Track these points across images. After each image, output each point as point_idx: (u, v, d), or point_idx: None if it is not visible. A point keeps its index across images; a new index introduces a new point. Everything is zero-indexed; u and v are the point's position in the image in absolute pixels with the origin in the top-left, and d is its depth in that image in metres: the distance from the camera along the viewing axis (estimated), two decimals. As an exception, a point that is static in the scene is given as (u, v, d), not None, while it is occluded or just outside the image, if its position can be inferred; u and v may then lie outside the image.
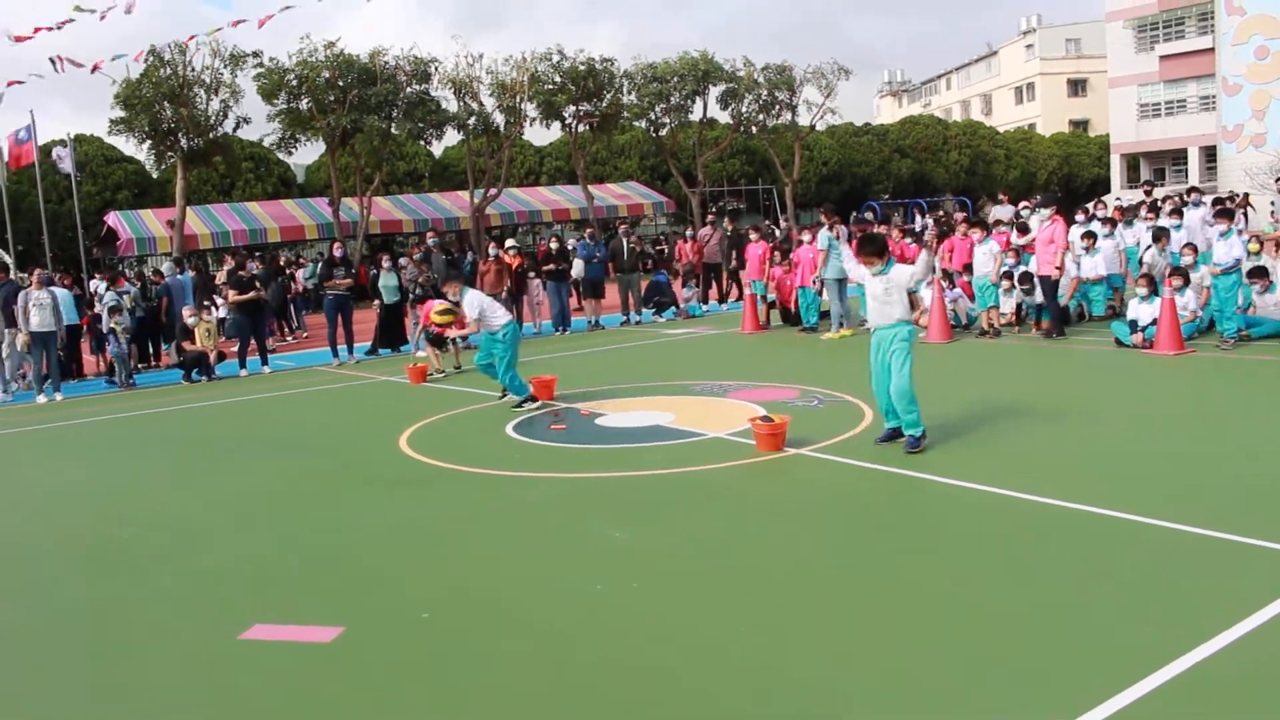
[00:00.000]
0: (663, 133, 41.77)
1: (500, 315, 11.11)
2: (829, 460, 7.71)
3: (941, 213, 36.56)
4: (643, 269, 24.05)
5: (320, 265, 18.20)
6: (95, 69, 24.74)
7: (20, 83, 25.15)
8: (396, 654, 4.67)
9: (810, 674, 4.18)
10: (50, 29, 20.33)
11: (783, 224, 38.05)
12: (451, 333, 12.42)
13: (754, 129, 43.33)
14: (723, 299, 22.89)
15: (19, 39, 20.69)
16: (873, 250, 7.97)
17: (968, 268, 15.75)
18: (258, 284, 16.97)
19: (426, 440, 9.70)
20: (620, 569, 5.62)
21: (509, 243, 19.96)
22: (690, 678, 4.20)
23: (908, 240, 18.06)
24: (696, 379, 12.23)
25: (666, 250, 32.61)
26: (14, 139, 31.70)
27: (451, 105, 36.32)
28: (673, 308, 20.97)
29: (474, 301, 11.09)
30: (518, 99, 36.23)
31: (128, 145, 35.87)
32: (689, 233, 25.37)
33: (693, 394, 11.28)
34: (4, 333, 15.68)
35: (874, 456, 7.69)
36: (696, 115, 41.71)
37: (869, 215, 26.45)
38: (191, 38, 27.49)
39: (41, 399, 15.21)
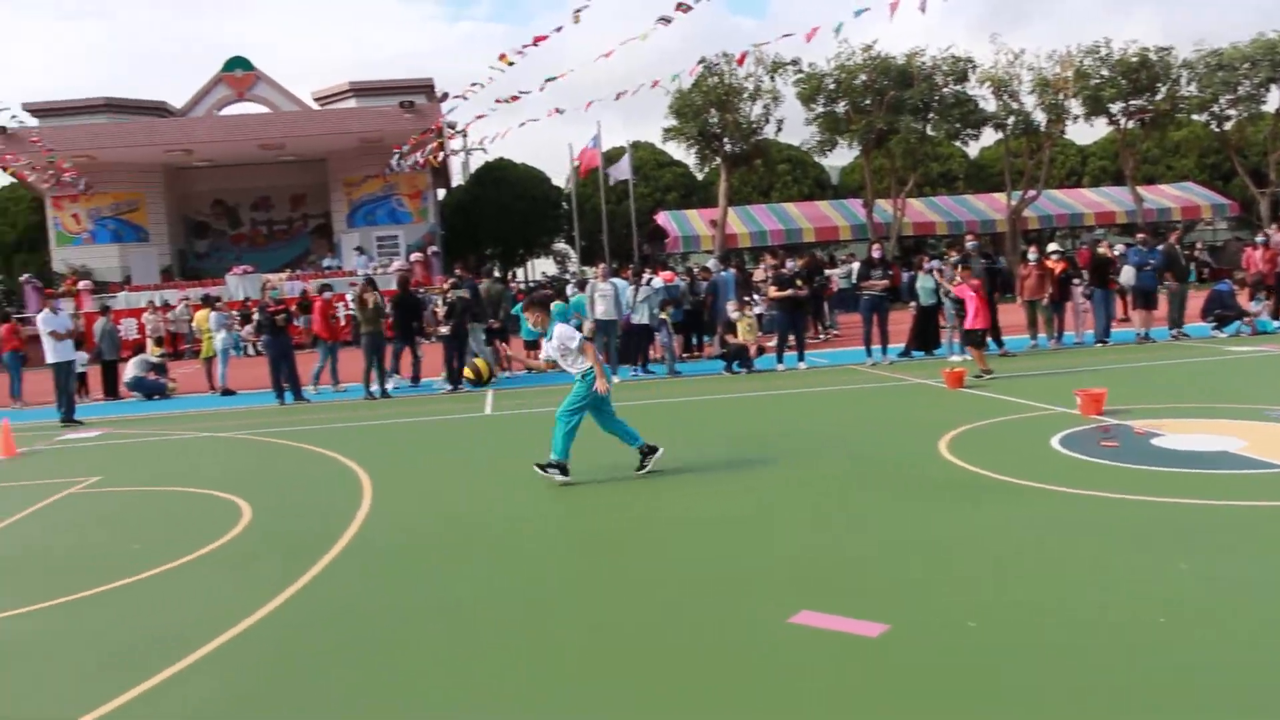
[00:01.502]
0: (1227, 126, 37.81)
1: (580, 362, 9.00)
2: None
3: None
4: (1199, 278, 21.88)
5: (859, 265, 18.49)
6: (654, 85, 27.16)
7: (593, 102, 28.12)
8: (940, 657, 4.62)
9: None
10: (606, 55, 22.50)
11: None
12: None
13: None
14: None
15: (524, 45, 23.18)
16: None
17: None
18: (798, 281, 17.61)
19: (968, 446, 9.51)
20: (1188, 603, 5.15)
21: (1051, 246, 19.09)
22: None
23: None
24: (1272, 404, 10.93)
25: (1227, 258, 29.49)
26: (583, 150, 35.51)
27: (989, 105, 35.42)
28: (1236, 321, 18.93)
29: (561, 337, 9.01)
30: (1061, 95, 34.52)
31: (677, 150, 38.86)
32: (1258, 238, 22.71)
33: (1268, 420, 10.10)
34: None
35: None
36: (1271, 106, 37.29)
37: None
38: (744, 55, 29.10)
39: (616, 379, 16.85)
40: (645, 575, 6.23)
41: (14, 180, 40.48)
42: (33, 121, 36.32)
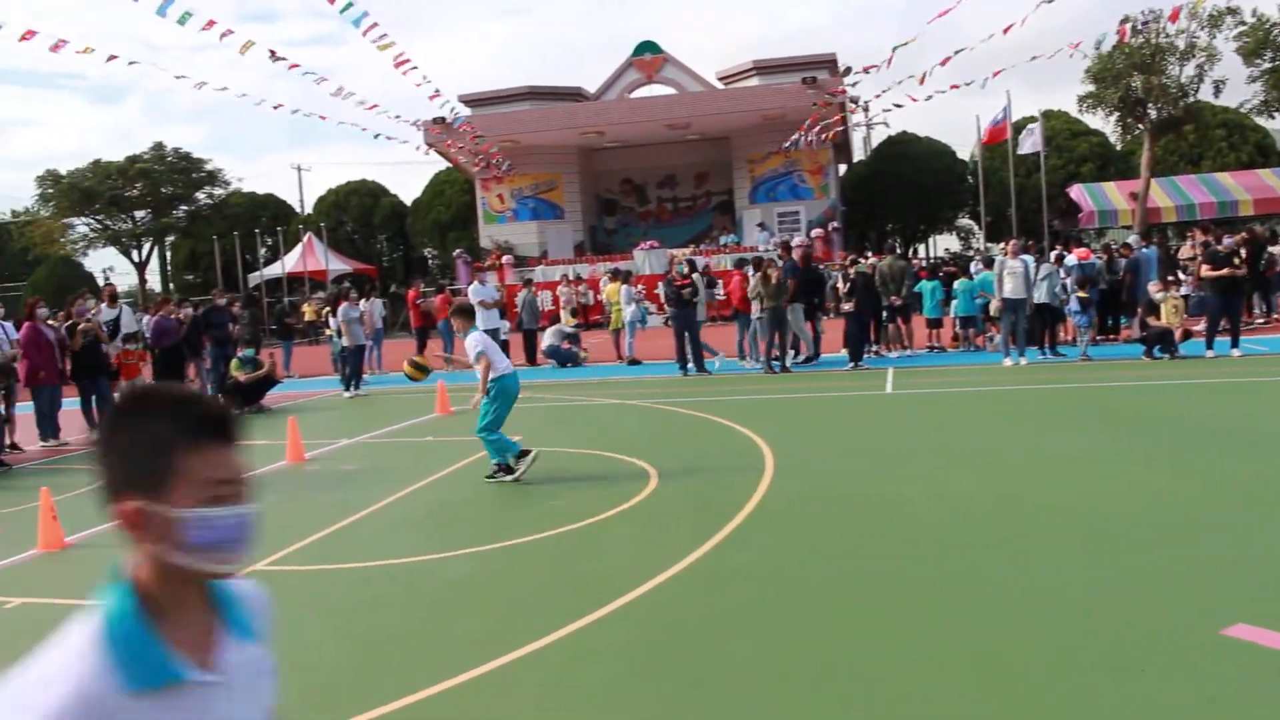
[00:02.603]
0: None
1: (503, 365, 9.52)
2: None
3: None
4: None
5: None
6: (1074, 48, 25.45)
7: (1000, 71, 26.79)
8: None
9: None
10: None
11: None
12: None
13: None
14: None
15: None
16: None
17: None
18: (1236, 259, 15.95)
19: None
20: None
21: None
22: None
23: None
24: None
25: None
26: (991, 121, 34.01)
27: None
28: None
29: (476, 342, 9.44)
30: None
31: (1094, 119, 36.29)
32: None
33: None
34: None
35: None
36: None
37: None
38: (1176, 10, 26.62)
39: (1008, 362, 16.12)
40: (1055, 569, 5.89)
41: (449, 165, 44.65)
42: (466, 111, 39.87)
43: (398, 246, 52.32)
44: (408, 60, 22.31)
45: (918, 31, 20.65)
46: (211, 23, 18.49)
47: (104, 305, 16.85)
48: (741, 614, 5.47)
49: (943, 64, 22.50)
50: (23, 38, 16.89)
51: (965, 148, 46.94)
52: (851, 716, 4.23)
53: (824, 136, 33.63)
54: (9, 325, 14.34)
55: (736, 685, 4.57)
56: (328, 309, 23.43)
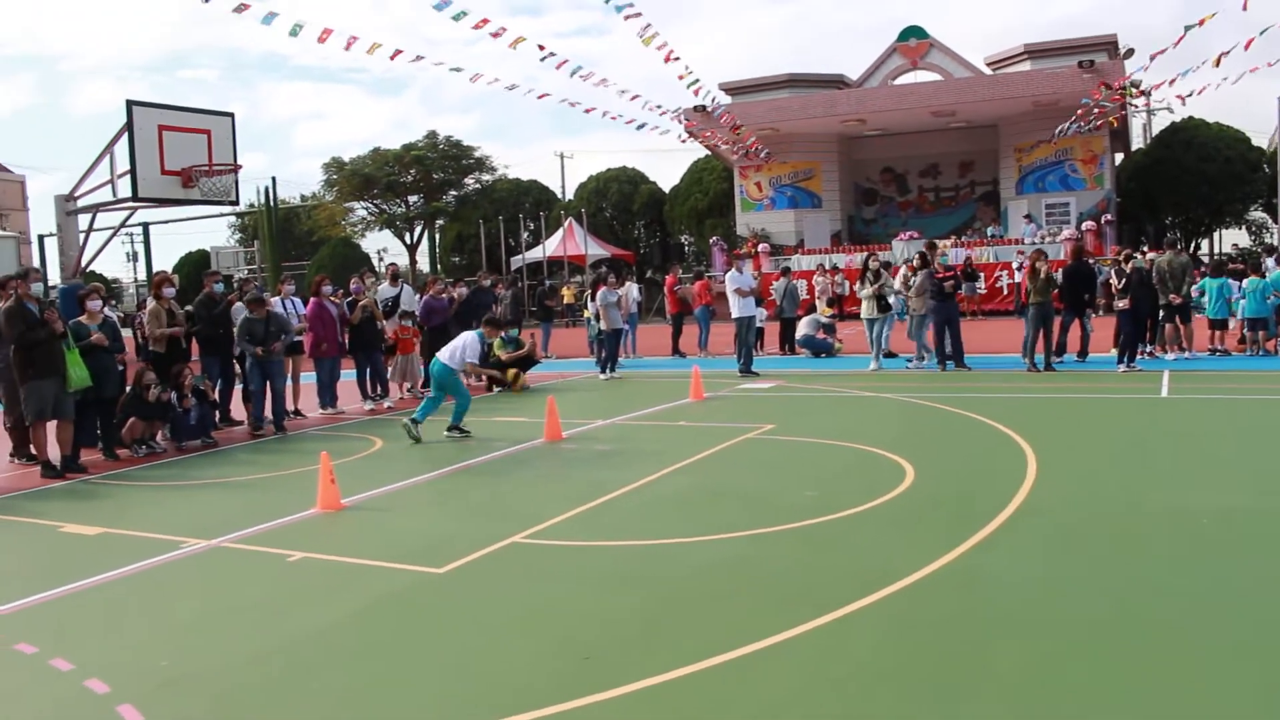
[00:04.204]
0: None
1: None
2: None
3: None
4: None
5: None
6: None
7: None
8: None
9: None
10: None
11: None
12: None
13: None
14: None
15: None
16: None
17: None
18: None
19: None
20: None
21: None
22: None
23: None
24: None
25: None
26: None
27: None
28: None
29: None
30: None
31: None
32: None
33: None
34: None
35: None
36: None
37: None
38: None
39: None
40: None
41: (708, 153, 44.90)
42: (726, 99, 39.87)
43: (655, 233, 53.14)
44: (672, 51, 22.58)
45: (1217, 5, 18.89)
46: (484, 21, 19.29)
47: (385, 283, 17.87)
48: (998, 620, 5.20)
49: (1246, 46, 20.73)
50: (320, 38, 18.12)
51: (1262, 134, 43.23)
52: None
53: (1098, 125, 31.70)
54: (298, 300, 15.44)
55: (990, 694, 4.33)
56: (586, 292, 24.05)
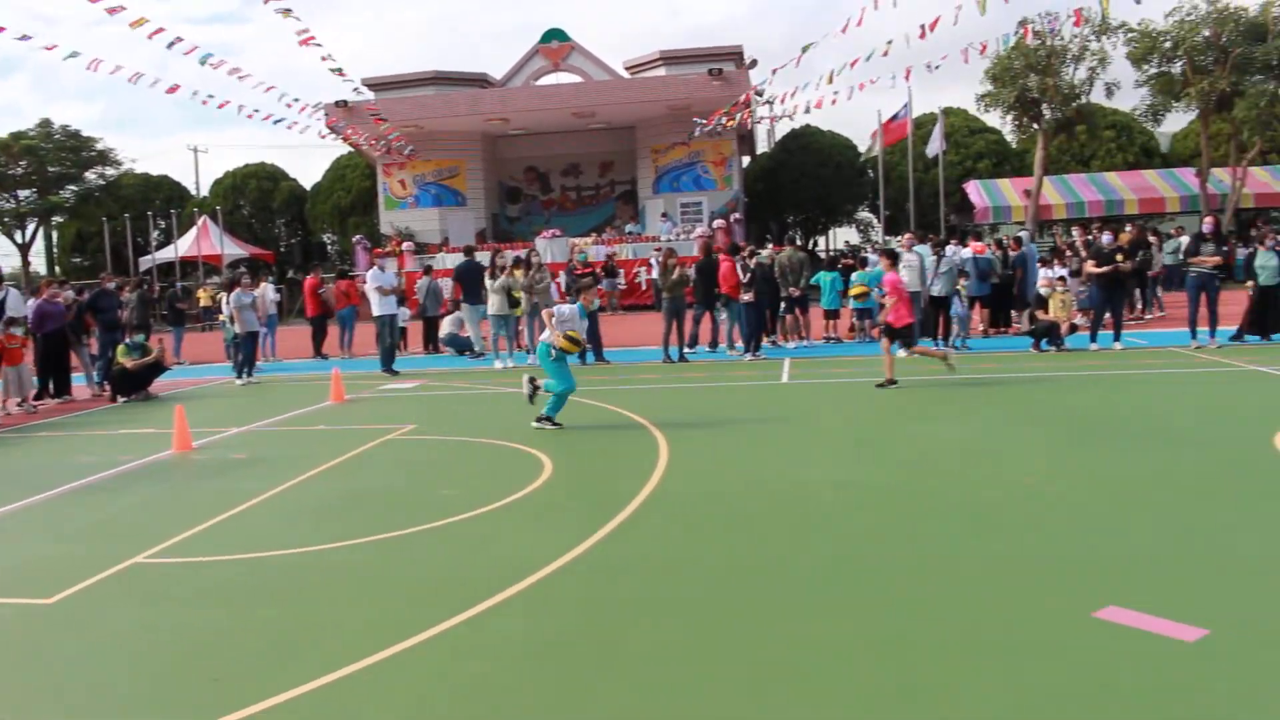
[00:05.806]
0: None
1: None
2: None
3: None
4: None
5: (1188, 240, 17.05)
6: (983, 51, 26.34)
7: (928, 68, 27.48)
8: (1270, 673, 4.25)
9: None
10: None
11: None
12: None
13: None
14: None
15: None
16: None
17: None
18: (1119, 256, 16.48)
19: (1308, 443, 8.62)
20: None
21: None
22: None
23: None
24: None
25: None
26: (891, 119, 34.64)
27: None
28: None
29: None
30: None
31: (990, 117, 37.12)
32: None
33: None
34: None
35: None
36: None
37: None
38: (1079, 12, 27.35)
39: (903, 353, 16.43)
40: (939, 556, 6.03)
41: (350, 149, 43.90)
42: (369, 94, 39.13)
43: (296, 231, 51.27)
44: (312, 37, 21.86)
45: (824, 30, 21.13)
46: (102, -4, 17.89)
47: (-17, 287, 16.20)
48: (631, 604, 5.49)
49: (852, 65, 22.84)
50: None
51: (866, 142, 47.66)
52: (743, 702, 4.27)
53: (726, 124, 33.83)
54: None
55: (619, 673, 4.59)
56: (221, 294, 22.88)
